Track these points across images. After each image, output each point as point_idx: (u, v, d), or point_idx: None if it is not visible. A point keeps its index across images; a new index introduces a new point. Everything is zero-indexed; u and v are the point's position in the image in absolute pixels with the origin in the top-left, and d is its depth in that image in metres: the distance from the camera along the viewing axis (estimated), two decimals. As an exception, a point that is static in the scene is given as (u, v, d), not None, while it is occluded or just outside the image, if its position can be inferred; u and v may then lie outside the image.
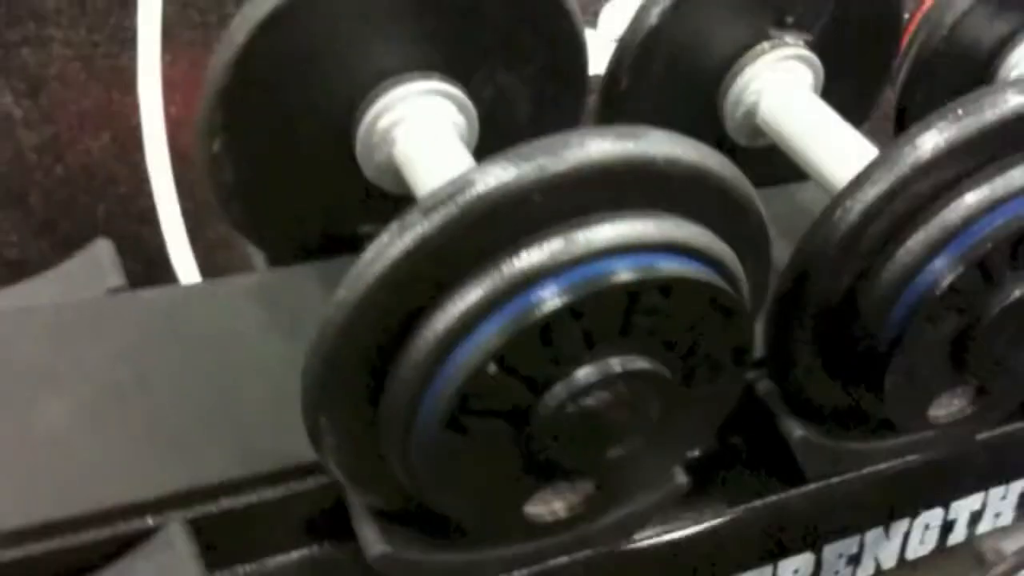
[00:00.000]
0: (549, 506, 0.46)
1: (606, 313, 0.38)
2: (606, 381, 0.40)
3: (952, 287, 0.46)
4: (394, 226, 0.37)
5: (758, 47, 0.60)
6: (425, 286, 0.38)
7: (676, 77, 0.61)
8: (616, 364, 0.40)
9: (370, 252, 0.37)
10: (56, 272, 0.56)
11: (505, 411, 0.39)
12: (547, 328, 0.37)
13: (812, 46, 0.62)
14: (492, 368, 0.38)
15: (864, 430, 0.55)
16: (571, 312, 0.37)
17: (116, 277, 0.55)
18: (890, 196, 0.46)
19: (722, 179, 0.40)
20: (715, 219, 0.41)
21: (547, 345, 0.38)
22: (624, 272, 0.38)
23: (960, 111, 0.46)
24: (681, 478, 0.50)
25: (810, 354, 0.51)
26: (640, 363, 0.40)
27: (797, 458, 0.54)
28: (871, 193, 0.46)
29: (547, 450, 0.41)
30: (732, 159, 0.61)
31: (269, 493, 0.47)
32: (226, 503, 0.46)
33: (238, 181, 0.52)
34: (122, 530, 0.44)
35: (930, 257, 0.46)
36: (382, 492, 0.44)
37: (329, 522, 0.48)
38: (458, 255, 0.37)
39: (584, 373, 0.39)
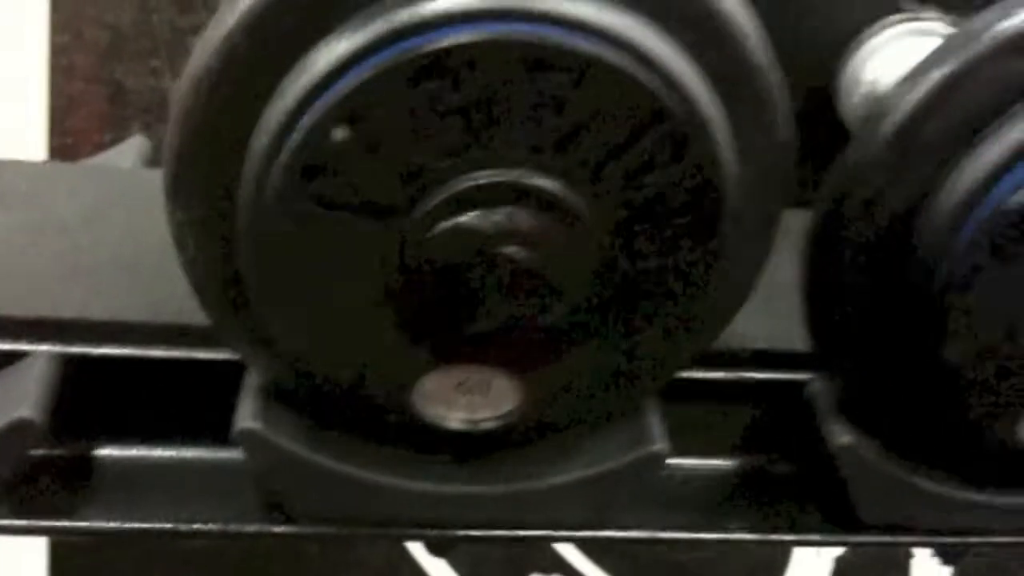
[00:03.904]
0: (450, 408, 0.36)
1: (494, 87, 0.30)
2: (493, 193, 0.31)
3: (1035, 208, 0.34)
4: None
5: (886, 19, 0.51)
6: (297, 33, 0.31)
7: (780, 43, 0.52)
8: (510, 174, 0.31)
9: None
10: (93, 159, 0.56)
11: (360, 204, 0.31)
12: (410, 84, 0.30)
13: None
14: (340, 132, 0.30)
15: (952, 465, 0.41)
16: (444, 71, 0.30)
17: (135, 162, 0.53)
18: (955, 83, 0.35)
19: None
20: (689, 38, 0.32)
21: (413, 112, 0.30)
22: (520, 34, 0.30)
23: (1067, -18, 0.35)
24: (658, 443, 0.39)
25: (859, 318, 0.39)
26: (542, 181, 0.31)
27: (844, 478, 0.41)
28: (931, 79, 0.35)
29: (423, 288, 0.32)
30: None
31: (158, 351, 0.40)
32: (106, 348, 0.40)
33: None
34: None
35: (1008, 167, 0.34)
36: (241, 332, 0.36)
37: (219, 419, 0.40)
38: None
39: (468, 177, 0.31)
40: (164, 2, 0.81)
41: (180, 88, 0.33)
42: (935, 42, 0.49)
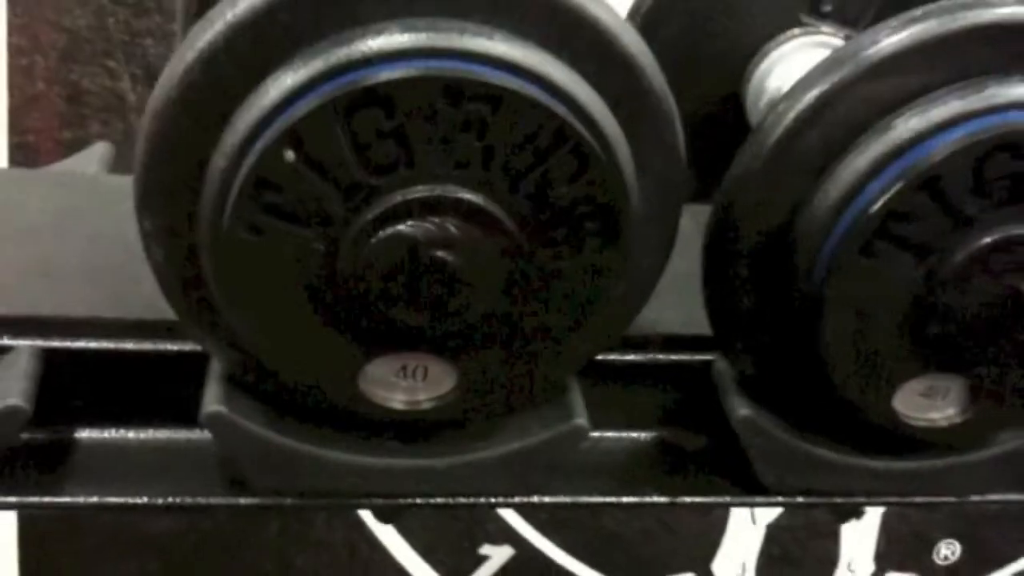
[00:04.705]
0: (392, 392, 0.41)
1: (424, 114, 0.35)
2: (424, 205, 0.36)
3: (893, 211, 0.39)
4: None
5: (788, 32, 0.56)
6: (248, 67, 0.36)
7: (694, 54, 0.57)
8: (438, 188, 0.36)
9: (196, 28, 0.36)
10: (61, 163, 0.60)
11: (307, 216, 0.36)
12: (349, 113, 0.34)
13: (858, 44, 0.57)
14: (289, 154, 0.35)
15: (834, 434, 0.47)
16: (378, 101, 0.34)
17: (99, 168, 0.57)
18: (829, 101, 0.40)
19: (594, 19, 0.37)
20: (591, 68, 0.37)
21: (352, 137, 0.35)
22: (443, 70, 0.35)
23: (925, 13, 0.40)
24: (580, 418, 0.44)
25: (751, 307, 0.44)
26: (466, 194, 0.36)
27: (745, 447, 0.47)
28: (808, 96, 0.40)
29: (363, 288, 0.37)
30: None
31: (129, 344, 0.45)
32: (83, 342, 0.44)
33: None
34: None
35: (872, 175, 0.40)
36: (205, 327, 0.40)
37: (187, 404, 0.44)
38: (282, 34, 0.35)
39: (401, 191, 0.36)
40: (119, 6, 0.85)
41: (147, 114, 0.37)
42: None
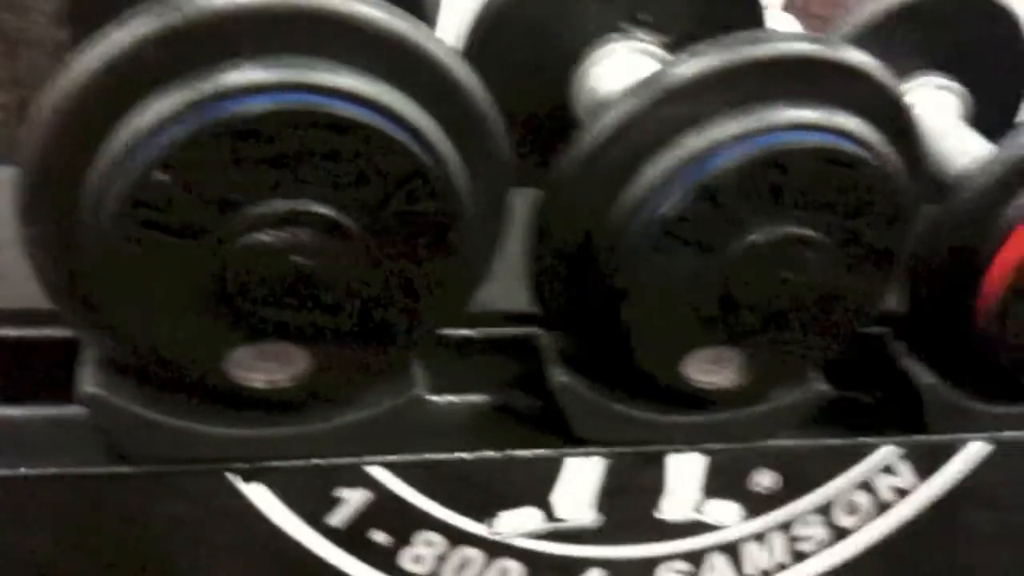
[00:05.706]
0: (254, 373, 0.47)
1: (281, 141, 0.40)
2: (282, 217, 0.42)
3: (679, 216, 0.47)
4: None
5: (608, 36, 0.63)
6: (124, 94, 0.40)
7: (529, 59, 0.63)
8: (296, 204, 0.42)
9: (75, 55, 0.40)
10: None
11: (176, 228, 0.41)
12: (214, 140, 0.39)
13: (670, 48, 0.64)
14: (159, 175, 0.40)
15: (639, 395, 0.55)
16: (240, 130, 0.40)
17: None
18: (629, 122, 0.47)
19: (430, 54, 0.43)
20: (427, 97, 0.43)
21: (216, 160, 0.40)
22: (297, 102, 0.40)
23: (710, 48, 0.47)
24: (419, 390, 0.51)
25: (567, 290, 0.51)
26: (319, 208, 0.42)
27: (562, 408, 0.54)
28: (610, 117, 0.47)
29: (230, 289, 0.43)
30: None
31: (10, 331, 0.49)
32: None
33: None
34: None
35: (662, 185, 0.47)
36: (83, 320, 0.45)
37: (63, 382, 0.49)
38: (154, 66, 0.40)
39: (262, 206, 0.41)
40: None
41: (28, 131, 0.41)
42: (644, 59, 0.62)
